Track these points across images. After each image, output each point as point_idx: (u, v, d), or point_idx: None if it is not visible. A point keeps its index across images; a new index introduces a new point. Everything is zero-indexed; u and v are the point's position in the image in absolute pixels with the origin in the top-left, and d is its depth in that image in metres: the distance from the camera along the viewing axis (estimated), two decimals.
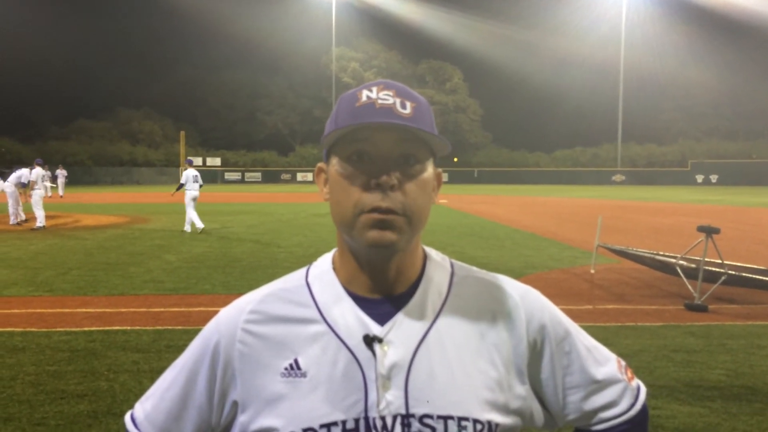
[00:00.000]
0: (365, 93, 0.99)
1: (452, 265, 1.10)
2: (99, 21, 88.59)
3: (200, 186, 16.06)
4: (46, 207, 17.39)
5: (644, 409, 1.12)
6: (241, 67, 79.45)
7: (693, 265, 7.78)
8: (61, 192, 34.82)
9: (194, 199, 15.73)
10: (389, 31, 78.09)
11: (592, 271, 9.80)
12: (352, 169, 0.97)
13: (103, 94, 77.72)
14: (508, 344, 1.03)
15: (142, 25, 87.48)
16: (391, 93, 0.98)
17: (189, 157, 17.76)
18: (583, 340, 1.11)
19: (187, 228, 15.64)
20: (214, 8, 76.43)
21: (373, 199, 0.94)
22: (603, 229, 10.54)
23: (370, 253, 0.99)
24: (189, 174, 16.00)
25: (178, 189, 16.37)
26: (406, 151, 0.97)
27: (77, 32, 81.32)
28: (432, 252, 1.10)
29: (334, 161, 1.00)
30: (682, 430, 4.01)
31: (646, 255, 9.19)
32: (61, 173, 36.52)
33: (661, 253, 9.39)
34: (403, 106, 0.97)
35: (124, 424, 1.13)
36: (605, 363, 1.11)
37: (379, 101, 0.97)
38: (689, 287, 7.64)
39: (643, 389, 1.14)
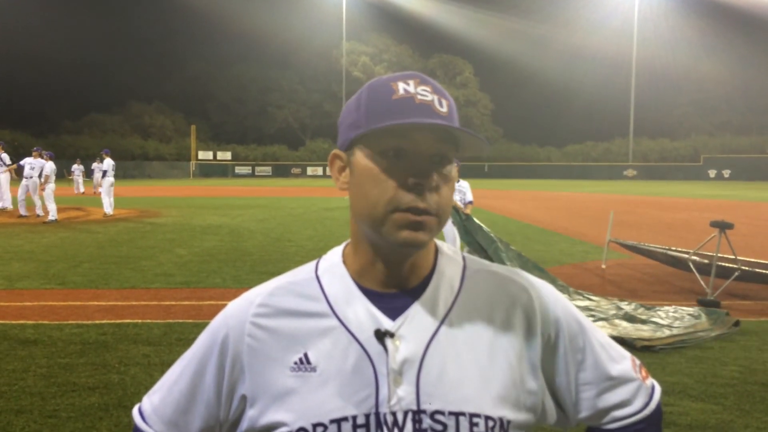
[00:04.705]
0: (402, 86, 0.95)
1: (464, 259, 1.08)
2: (110, 16, 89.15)
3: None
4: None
5: (658, 409, 1.10)
6: (252, 61, 79.76)
7: (706, 261, 7.71)
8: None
9: (112, 185, 18.30)
10: (400, 25, 78.20)
11: (604, 267, 9.74)
12: (387, 164, 0.93)
13: (115, 88, 78.41)
14: (521, 339, 1.01)
15: (153, 21, 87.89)
16: (428, 89, 0.95)
17: (106, 148, 19.60)
18: (598, 336, 1.09)
19: (109, 210, 17.99)
20: (224, 3, 76.68)
21: (410, 198, 0.92)
22: (614, 224, 10.47)
23: (395, 251, 0.96)
24: (109, 163, 18.57)
25: (103, 177, 18.51)
26: (441, 151, 0.94)
27: (89, 28, 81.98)
28: (444, 246, 1.08)
29: (364, 153, 0.96)
30: (695, 427, 3.97)
31: (658, 250, 9.12)
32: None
33: (674, 248, 9.32)
34: (441, 104, 0.95)
35: (132, 418, 1.12)
36: (620, 360, 1.09)
37: (419, 96, 0.94)
38: (702, 283, 7.58)
39: (658, 389, 1.12)
